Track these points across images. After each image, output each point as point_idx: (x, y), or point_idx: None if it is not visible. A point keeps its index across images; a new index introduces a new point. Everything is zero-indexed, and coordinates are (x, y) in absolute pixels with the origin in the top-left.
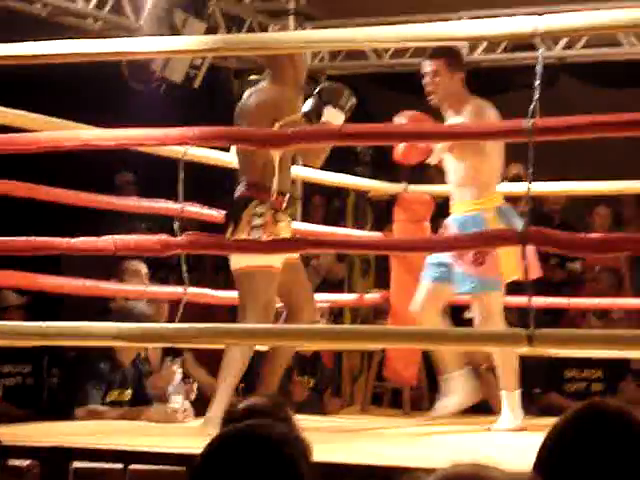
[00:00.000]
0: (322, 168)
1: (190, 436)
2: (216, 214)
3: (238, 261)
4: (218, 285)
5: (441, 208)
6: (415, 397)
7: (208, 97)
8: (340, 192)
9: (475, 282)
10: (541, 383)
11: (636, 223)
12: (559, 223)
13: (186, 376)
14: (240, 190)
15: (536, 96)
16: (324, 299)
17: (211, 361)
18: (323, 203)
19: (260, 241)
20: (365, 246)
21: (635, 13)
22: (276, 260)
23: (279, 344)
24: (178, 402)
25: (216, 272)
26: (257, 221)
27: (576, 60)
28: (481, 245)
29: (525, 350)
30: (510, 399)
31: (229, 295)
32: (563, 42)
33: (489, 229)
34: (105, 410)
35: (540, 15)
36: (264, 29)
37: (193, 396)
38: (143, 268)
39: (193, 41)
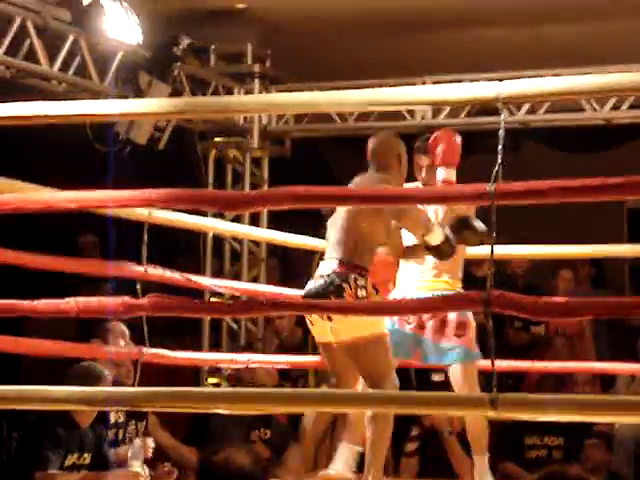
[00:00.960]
0: (286, 229)
1: None
2: (178, 276)
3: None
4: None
5: None
6: None
7: (173, 159)
8: (303, 254)
9: (461, 351)
10: (499, 450)
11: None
12: (523, 286)
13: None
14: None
15: (499, 160)
16: (285, 361)
17: (176, 423)
18: (278, 265)
19: (224, 302)
20: (329, 309)
21: (596, 79)
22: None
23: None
24: (139, 466)
25: (182, 333)
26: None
27: (540, 125)
28: (446, 309)
29: (490, 415)
30: (479, 463)
31: (190, 356)
32: (526, 107)
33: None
34: (63, 475)
35: (502, 81)
36: (229, 92)
37: (150, 453)
38: (126, 329)
39: (157, 103)
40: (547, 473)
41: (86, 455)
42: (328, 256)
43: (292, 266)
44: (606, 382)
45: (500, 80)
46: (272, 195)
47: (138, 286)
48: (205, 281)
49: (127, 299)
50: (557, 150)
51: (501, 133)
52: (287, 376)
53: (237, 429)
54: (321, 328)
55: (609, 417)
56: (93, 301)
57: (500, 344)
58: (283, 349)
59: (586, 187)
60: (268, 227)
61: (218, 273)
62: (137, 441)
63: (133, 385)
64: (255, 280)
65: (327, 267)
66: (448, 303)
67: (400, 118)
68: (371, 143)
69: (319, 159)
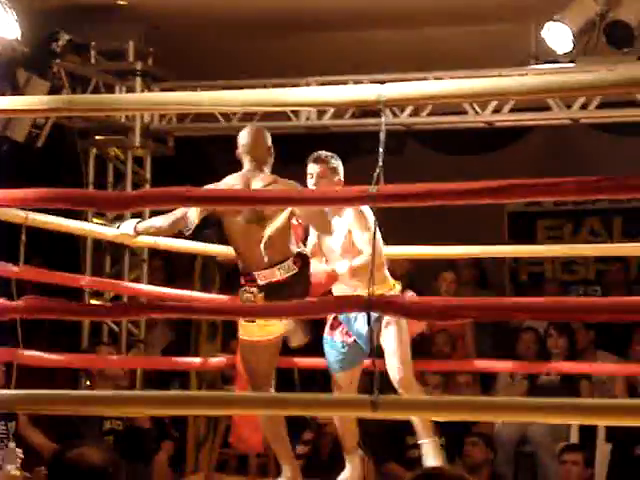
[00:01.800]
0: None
1: None
2: (56, 276)
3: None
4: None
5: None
6: (261, 463)
7: (52, 157)
8: (188, 254)
9: None
10: (382, 450)
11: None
12: (404, 288)
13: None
14: None
15: (380, 162)
16: (169, 362)
17: (49, 420)
18: (163, 265)
19: (102, 305)
20: (213, 312)
21: (477, 82)
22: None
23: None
24: (14, 470)
25: (55, 334)
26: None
27: (422, 127)
28: (332, 310)
29: (369, 415)
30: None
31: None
32: (410, 109)
33: None
34: None
35: (384, 83)
36: (110, 89)
37: (19, 461)
38: None
39: (34, 100)
40: (425, 471)
41: None
42: None
43: (176, 266)
44: (486, 384)
45: (382, 82)
46: (152, 195)
47: (13, 287)
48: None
49: (1, 301)
50: (441, 152)
51: (382, 135)
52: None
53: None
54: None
55: (487, 416)
56: None
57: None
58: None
59: (467, 190)
60: None
61: (99, 274)
62: (11, 444)
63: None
64: (137, 281)
65: None
66: (335, 305)
67: (285, 119)
68: (245, 137)
69: (202, 158)
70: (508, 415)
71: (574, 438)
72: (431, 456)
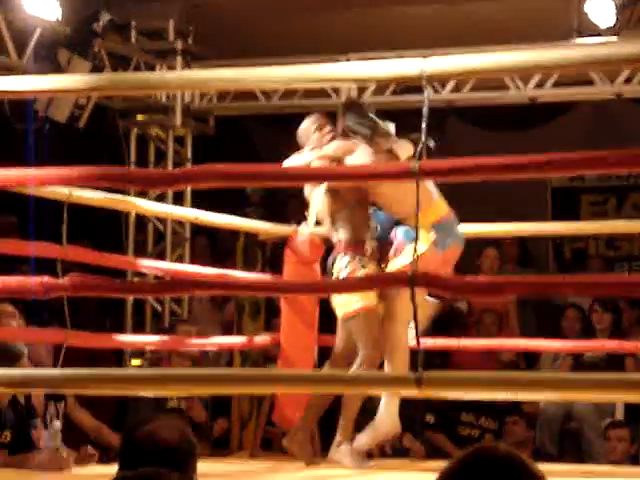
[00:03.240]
0: (211, 209)
1: None
2: (100, 256)
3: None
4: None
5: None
6: None
7: (94, 137)
8: (230, 233)
9: None
10: (434, 423)
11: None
12: None
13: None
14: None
15: (423, 138)
16: (214, 342)
17: (95, 402)
18: (208, 244)
19: (145, 282)
20: (253, 287)
21: (519, 56)
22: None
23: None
24: (58, 447)
25: (101, 316)
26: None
27: (464, 103)
28: (370, 287)
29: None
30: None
31: (113, 338)
32: (451, 85)
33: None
34: None
35: (426, 58)
36: (151, 68)
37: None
38: (15, 310)
39: (77, 80)
40: (478, 449)
41: (7, 433)
42: None
43: (222, 245)
44: (530, 361)
45: (424, 57)
46: (195, 173)
47: (59, 266)
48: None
49: (47, 279)
50: (482, 129)
51: (425, 111)
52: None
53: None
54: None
55: (533, 394)
56: (12, 281)
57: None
58: None
59: (509, 165)
60: (198, 206)
61: (141, 253)
62: (57, 423)
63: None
64: (180, 260)
65: None
66: (376, 282)
67: (325, 96)
68: None
69: (243, 137)
70: (552, 391)
71: (619, 415)
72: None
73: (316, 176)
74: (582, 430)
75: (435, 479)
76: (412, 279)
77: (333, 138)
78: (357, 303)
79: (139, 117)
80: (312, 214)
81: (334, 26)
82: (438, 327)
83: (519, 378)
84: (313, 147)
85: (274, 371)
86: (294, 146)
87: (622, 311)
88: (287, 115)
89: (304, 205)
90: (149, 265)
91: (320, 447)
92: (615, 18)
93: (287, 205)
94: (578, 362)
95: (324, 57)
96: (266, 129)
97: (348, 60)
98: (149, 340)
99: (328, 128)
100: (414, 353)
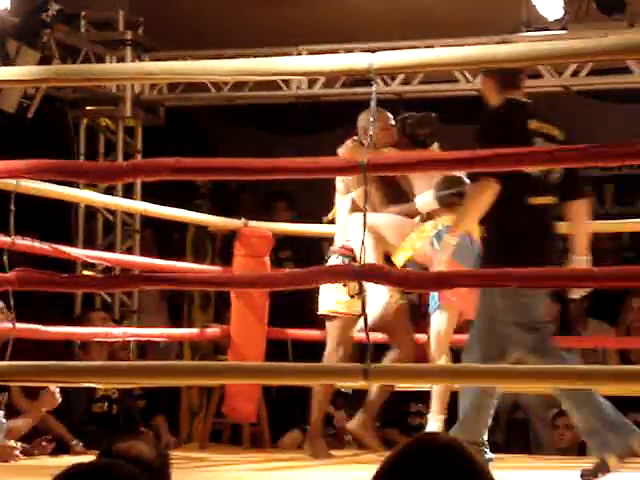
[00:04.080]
0: (161, 202)
1: None
2: (48, 247)
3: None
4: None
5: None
6: (255, 433)
7: (43, 128)
8: (180, 225)
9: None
10: (384, 416)
11: None
12: None
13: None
14: None
15: (371, 131)
16: (162, 333)
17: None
18: (154, 237)
19: (93, 276)
20: (204, 283)
21: (469, 50)
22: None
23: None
24: (2, 439)
25: (48, 306)
26: None
27: (414, 96)
28: (320, 281)
29: (361, 384)
30: None
31: (62, 330)
32: (401, 78)
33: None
34: None
35: (375, 52)
36: (100, 59)
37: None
38: None
39: (24, 71)
40: (419, 437)
41: None
42: None
43: (171, 237)
44: None
45: (373, 51)
46: (143, 166)
47: (5, 258)
48: (77, 252)
49: None
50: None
51: (373, 104)
52: None
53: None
54: None
55: (477, 383)
56: None
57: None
58: None
59: (456, 159)
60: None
61: (91, 244)
62: (0, 413)
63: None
64: (129, 252)
65: None
66: (325, 275)
67: (276, 88)
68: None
69: (194, 128)
70: (500, 382)
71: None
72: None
73: (264, 170)
74: (529, 420)
75: (377, 469)
76: (360, 272)
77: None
78: (341, 308)
79: (88, 108)
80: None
81: (285, 19)
82: None
83: (466, 369)
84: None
85: (224, 363)
86: (244, 137)
87: (568, 302)
88: (238, 107)
89: (255, 198)
90: (98, 256)
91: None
92: (563, 11)
93: (237, 198)
94: None
95: (275, 50)
96: (217, 120)
97: (299, 53)
98: (97, 332)
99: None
100: (363, 346)
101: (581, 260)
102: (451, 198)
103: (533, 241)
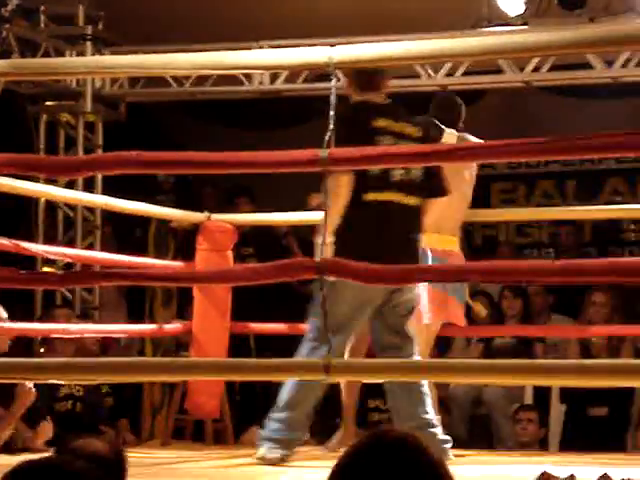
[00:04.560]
0: (123, 197)
1: None
2: (8, 243)
3: None
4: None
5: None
6: (218, 429)
7: (2, 123)
8: (142, 221)
9: None
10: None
11: None
12: None
13: None
14: None
15: (331, 126)
16: (124, 330)
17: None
18: (117, 232)
19: (53, 273)
20: (164, 278)
21: (428, 44)
22: None
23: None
24: None
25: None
26: None
27: None
28: (281, 275)
29: (323, 379)
30: None
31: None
32: None
33: None
34: None
35: (334, 46)
36: (60, 54)
37: None
38: None
39: None
40: (374, 432)
41: None
42: None
43: (130, 233)
44: (441, 348)
45: (333, 45)
46: (102, 160)
47: None
48: (37, 248)
49: None
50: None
51: (332, 98)
52: None
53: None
54: None
55: (442, 378)
56: None
57: None
58: None
59: (416, 153)
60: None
61: (51, 240)
62: None
63: None
64: (90, 247)
65: None
66: (282, 270)
67: (237, 83)
68: None
69: (155, 123)
70: (463, 377)
71: (528, 400)
72: None
73: (224, 164)
74: (492, 415)
75: (334, 466)
76: (320, 267)
77: None
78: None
79: (48, 103)
80: None
81: (248, 14)
82: None
83: (428, 364)
84: None
85: (185, 359)
86: (207, 132)
87: (532, 297)
88: (199, 102)
89: (217, 193)
90: (59, 252)
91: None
92: (524, 7)
93: (199, 193)
94: (488, 347)
95: (237, 44)
96: (178, 115)
97: (261, 48)
98: (58, 327)
99: None
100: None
101: None
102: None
103: (365, 237)
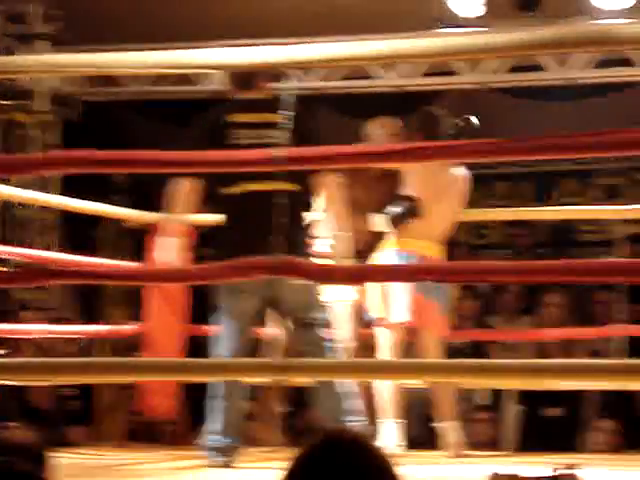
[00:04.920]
0: (78, 196)
1: None
2: None
3: None
4: None
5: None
6: (172, 430)
7: None
8: (97, 221)
9: None
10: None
11: None
12: None
13: None
14: None
15: (288, 126)
16: (78, 330)
17: None
18: (72, 232)
19: (8, 271)
20: (115, 277)
21: (378, 45)
22: None
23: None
24: None
25: None
26: None
27: (333, 92)
28: (236, 274)
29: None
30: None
31: None
32: (321, 73)
33: None
34: None
35: (286, 46)
36: (12, 53)
37: None
38: None
39: None
40: (326, 434)
41: None
42: None
43: (84, 233)
44: None
45: (283, 46)
46: (57, 159)
47: None
48: None
49: None
50: (351, 117)
51: (285, 98)
52: None
53: None
54: None
55: (396, 378)
56: None
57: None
58: None
59: (372, 153)
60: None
61: (5, 240)
62: None
63: None
64: (47, 247)
65: None
66: (237, 270)
67: (194, 83)
68: None
69: (111, 123)
70: (417, 376)
71: (482, 401)
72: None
73: (179, 163)
74: None
75: (285, 469)
76: (275, 267)
77: None
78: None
79: (2, 102)
80: None
81: (202, 14)
82: None
83: (381, 364)
84: None
85: (139, 359)
86: (163, 131)
87: (486, 297)
88: (156, 101)
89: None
90: (12, 252)
91: None
92: (479, 8)
93: (156, 192)
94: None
95: (195, 43)
96: (134, 115)
97: (217, 47)
98: (9, 328)
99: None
100: None
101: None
102: (401, 218)
103: (228, 230)
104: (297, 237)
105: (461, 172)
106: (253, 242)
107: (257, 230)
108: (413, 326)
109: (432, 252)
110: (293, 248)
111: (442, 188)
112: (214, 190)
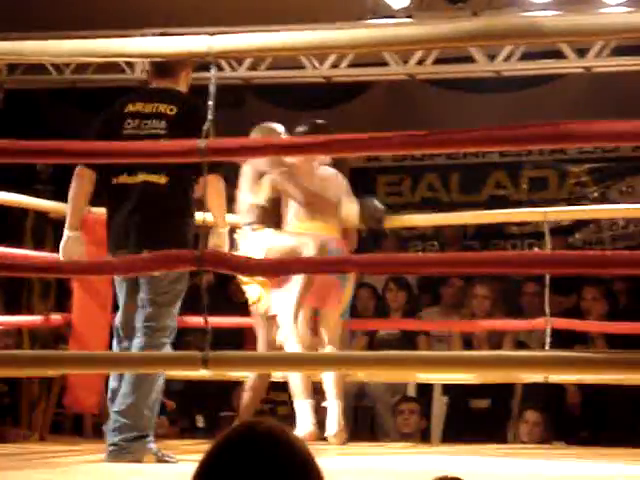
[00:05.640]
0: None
1: None
2: None
3: None
4: None
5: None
6: (97, 424)
7: None
8: (18, 212)
9: None
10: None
11: None
12: None
13: None
14: None
15: (210, 116)
16: (2, 321)
17: None
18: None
19: None
20: (36, 269)
21: (310, 35)
22: None
23: None
24: None
25: None
26: None
27: (261, 82)
28: (161, 267)
29: (202, 372)
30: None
31: None
32: (248, 63)
33: None
34: None
35: (213, 35)
36: None
37: None
38: None
39: None
40: (242, 424)
41: None
42: None
43: (5, 224)
44: None
45: (212, 34)
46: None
47: None
48: None
49: None
50: (280, 107)
51: (212, 88)
52: None
53: None
54: None
55: (326, 370)
56: None
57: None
58: None
59: (296, 145)
60: None
61: None
62: None
63: None
64: None
65: None
66: (161, 262)
67: (119, 71)
68: None
69: (35, 111)
70: (348, 368)
71: (411, 392)
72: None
73: (101, 153)
74: (375, 407)
75: (200, 459)
76: (199, 259)
77: None
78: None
79: None
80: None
81: (131, 1)
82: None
83: (308, 357)
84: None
85: (65, 352)
86: (86, 121)
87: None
88: (80, 89)
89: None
90: None
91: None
92: (409, 0)
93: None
94: (372, 339)
95: (118, 32)
96: (58, 103)
97: (144, 35)
98: None
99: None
100: (203, 333)
101: (219, 233)
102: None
103: (118, 220)
104: (168, 231)
105: (332, 171)
106: (119, 235)
107: (124, 223)
108: (318, 307)
109: (329, 233)
110: (162, 242)
111: (323, 182)
112: (106, 180)
